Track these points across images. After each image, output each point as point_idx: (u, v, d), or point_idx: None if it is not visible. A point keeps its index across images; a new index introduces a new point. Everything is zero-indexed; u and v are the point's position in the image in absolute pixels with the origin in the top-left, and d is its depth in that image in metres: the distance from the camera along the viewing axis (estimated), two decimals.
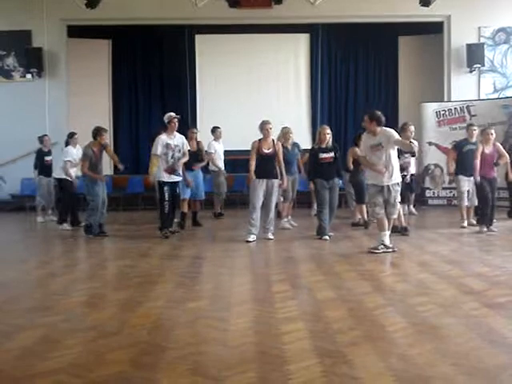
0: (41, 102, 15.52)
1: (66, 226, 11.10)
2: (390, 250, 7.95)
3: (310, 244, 8.93)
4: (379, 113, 8.13)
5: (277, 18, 15.78)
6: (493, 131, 10.16)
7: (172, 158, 9.68)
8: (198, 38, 16.90)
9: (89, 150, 10.09)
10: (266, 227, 9.39)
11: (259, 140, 9.44)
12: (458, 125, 14.75)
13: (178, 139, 9.84)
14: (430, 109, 15.16)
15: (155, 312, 5.07)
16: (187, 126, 16.63)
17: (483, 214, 9.93)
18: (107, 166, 16.48)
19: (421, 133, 15.06)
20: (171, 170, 9.65)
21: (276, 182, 9.45)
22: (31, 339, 4.30)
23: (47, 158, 12.51)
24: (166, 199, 9.58)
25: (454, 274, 6.52)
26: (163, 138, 9.71)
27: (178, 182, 9.85)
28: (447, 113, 15.00)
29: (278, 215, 10.64)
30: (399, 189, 8.20)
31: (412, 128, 9.92)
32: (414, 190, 12.27)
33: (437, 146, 14.90)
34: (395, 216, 8.40)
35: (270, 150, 9.39)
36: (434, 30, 16.17)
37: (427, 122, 15.13)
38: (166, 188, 9.61)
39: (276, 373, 3.57)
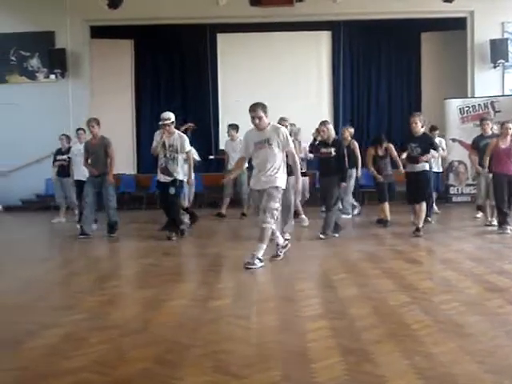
0: (64, 103, 15.66)
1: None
2: (263, 263, 6.92)
3: (331, 242, 8.89)
4: None
5: (298, 15, 15.76)
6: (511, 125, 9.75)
7: (164, 157, 9.45)
8: (220, 37, 16.95)
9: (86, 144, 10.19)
10: (283, 227, 9.34)
11: None
12: None
13: (175, 139, 9.49)
14: (454, 105, 15.04)
15: (178, 310, 5.08)
16: (209, 124, 16.78)
17: (502, 214, 9.53)
18: (130, 165, 16.65)
19: (444, 129, 14.95)
20: (163, 170, 9.47)
21: (291, 179, 9.38)
22: (55, 337, 4.33)
23: (58, 158, 12.49)
24: (160, 199, 9.58)
25: (478, 272, 6.46)
26: (158, 135, 9.59)
27: (174, 181, 9.51)
28: (471, 109, 14.87)
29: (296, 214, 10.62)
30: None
31: None
32: (438, 188, 12.19)
33: (460, 142, 14.76)
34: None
35: None
36: (457, 25, 16.04)
37: (451, 118, 15.01)
38: (157, 188, 9.54)
39: (299, 371, 3.56)
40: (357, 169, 11.68)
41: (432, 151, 9.39)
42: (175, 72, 17.38)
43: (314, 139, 11.51)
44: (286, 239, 8.87)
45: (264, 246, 6.84)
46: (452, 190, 14.99)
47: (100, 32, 16.19)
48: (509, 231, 9.31)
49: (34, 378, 3.56)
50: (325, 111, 17.00)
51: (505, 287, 5.66)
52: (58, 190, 12.54)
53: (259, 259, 6.80)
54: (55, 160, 12.56)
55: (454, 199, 14.89)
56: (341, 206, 10.48)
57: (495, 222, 10.08)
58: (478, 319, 4.57)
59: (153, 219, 12.13)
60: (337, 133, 15.64)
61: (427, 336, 4.16)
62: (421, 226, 9.23)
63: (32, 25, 15.66)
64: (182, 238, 9.47)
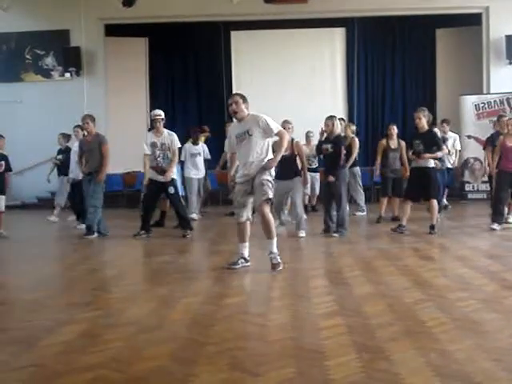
0: (79, 100, 15.74)
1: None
2: (249, 263, 6.78)
3: (345, 240, 8.88)
4: None
5: (312, 12, 15.76)
6: None
7: (159, 157, 9.46)
8: (234, 35, 16.96)
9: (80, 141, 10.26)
10: (297, 226, 9.35)
11: None
12: None
13: (165, 137, 9.54)
14: (469, 101, 14.97)
15: (194, 307, 5.09)
16: (223, 121, 16.76)
17: (496, 212, 9.44)
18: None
19: (460, 126, 14.90)
20: (159, 170, 9.46)
21: (297, 179, 9.40)
22: (72, 334, 4.36)
23: (57, 157, 12.58)
24: (146, 196, 9.61)
25: (494, 269, 6.43)
26: (149, 135, 9.64)
27: (171, 180, 9.57)
28: (486, 105, 14.79)
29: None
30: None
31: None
32: (449, 184, 12.13)
33: (476, 139, 14.70)
34: None
35: (287, 153, 8.94)
36: (472, 21, 15.95)
37: (466, 115, 14.95)
38: (151, 186, 9.54)
39: (315, 368, 3.56)
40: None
41: (437, 152, 9.28)
42: (189, 69, 17.41)
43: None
44: (300, 237, 8.95)
45: (275, 239, 6.67)
46: (467, 187, 14.92)
47: (114, 30, 16.27)
48: (495, 227, 9.28)
49: (51, 375, 3.58)
50: (339, 108, 16.94)
51: None
52: (59, 187, 12.65)
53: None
54: (55, 158, 12.70)
55: (470, 196, 14.83)
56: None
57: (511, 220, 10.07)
58: (494, 317, 4.55)
59: (168, 216, 12.15)
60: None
61: (443, 333, 4.14)
62: (434, 222, 9.19)
63: (47, 23, 15.77)
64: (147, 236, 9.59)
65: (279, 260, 6.56)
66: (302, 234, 9.23)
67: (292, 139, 9.36)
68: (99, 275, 6.91)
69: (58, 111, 15.49)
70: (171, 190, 9.51)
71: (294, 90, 16.55)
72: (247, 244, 6.75)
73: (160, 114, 9.59)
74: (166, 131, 9.64)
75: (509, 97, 14.64)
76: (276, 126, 6.71)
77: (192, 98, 17.29)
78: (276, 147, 6.93)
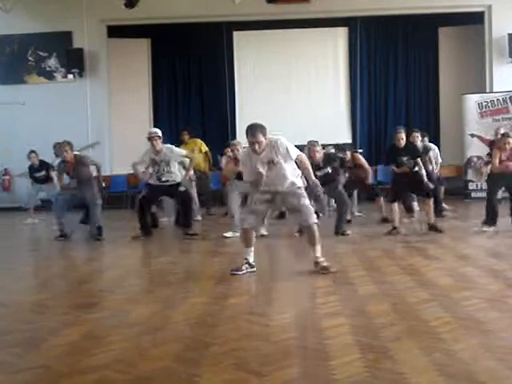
0: (82, 102, 15.79)
1: None
2: (254, 268, 6.62)
3: (348, 239, 8.89)
4: None
5: (314, 12, 15.75)
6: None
7: (158, 172, 9.46)
8: (236, 35, 16.94)
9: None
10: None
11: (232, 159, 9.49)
12: (500, 116, 14.54)
13: (163, 154, 9.46)
14: (472, 100, 14.95)
15: (198, 308, 5.10)
16: (226, 120, 16.78)
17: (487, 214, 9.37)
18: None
19: (463, 125, 14.89)
20: (159, 181, 9.49)
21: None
22: (76, 335, 4.37)
23: (36, 175, 12.67)
24: (146, 197, 9.60)
25: (498, 268, 6.42)
26: (148, 154, 9.55)
27: (178, 183, 9.57)
28: (489, 104, 14.77)
29: None
30: None
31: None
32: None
33: (479, 137, 14.68)
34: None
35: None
36: (475, 20, 15.91)
37: (469, 113, 14.92)
38: (153, 188, 9.55)
39: (319, 368, 3.56)
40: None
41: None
42: (192, 70, 17.40)
43: None
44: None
45: (320, 245, 6.57)
46: (471, 186, 14.89)
47: (117, 31, 16.28)
48: (485, 229, 9.18)
49: (56, 377, 3.59)
50: (342, 108, 16.96)
51: None
52: (32, 192, 12.76)
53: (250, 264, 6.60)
54: (31, 176, 12.72)
55: (473, 195, 14.79)
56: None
57: None
58: (498, 316, 4.54)
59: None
60: (355, 128, 15.77)
61: (447, 333, 4.14)
62: (433, 221, 9.24)
63: (49, 25, 15.78)
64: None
65: (327, 263, 6.48)
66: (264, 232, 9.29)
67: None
68: (103, 276, 6.92)
69: (61, 113, 15.52)
70: (182, 188, 9.54)
71: (296, 89, 16.56)
72: (252, 249, 6.65)
73: (156, 131, 9.53)
74: (164, 148, 9.54)
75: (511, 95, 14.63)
76: (295, 152, 6.52)
77: (195, 98, 17.28)
78: (302, 171, 6.74)
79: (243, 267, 6.52)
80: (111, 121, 16.21)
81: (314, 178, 6.69)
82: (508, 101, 14.58)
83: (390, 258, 7.26)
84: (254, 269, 6.58)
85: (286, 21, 16.15)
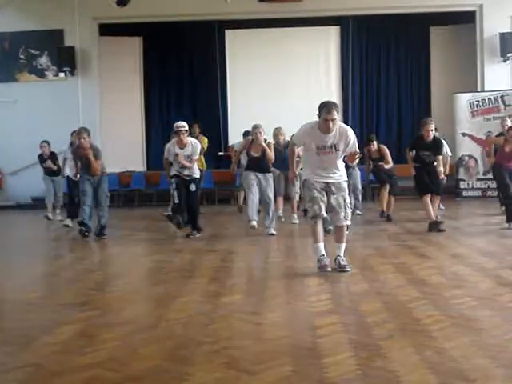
0: (74, 100, 15.78)
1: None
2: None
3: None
4: None
5: (306, 11, 15.78)
6: None
7: (181, 167, 9.37)
8: (228, 33, 16.96)
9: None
10: (266, 222, 9.43)
11: (252, 141, 9.50)
12: (492, 115, 14.60)
13: (188, 149, 9.37)
14: (464, 99, 15.01)
15: (190, 306, 5.09)
16: (218, 119, 16.78)
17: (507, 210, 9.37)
18: (140, 162, 16.71)
19: (454, 124, 14.94)
20: (179, 173, 9.40)
21: (269, 175, 9.49)
22: (68, 334, 4.36)
23: (44, 165, 12.74)
24: (174, 188, 9.42)
25: (489, 266, 6.44)
26: (172, 145, 9.41)
27: (194, 179, 9.52)
28: (481, 103, 14.83)
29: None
30: None
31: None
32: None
33: (471, 136, 14.74)
34: None
35: (258, 154, 9.37)
36: (466, 19, 16.01)
37: (460, 112, 14.97)
38: (178, 180, 9.39)
39: (311, 366, 3.56)
40: None
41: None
42: (184, 68, 17.40)
43: None
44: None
45: (344, 244, 6.53)
46: (462, 185, 14.95)
47: (109, 30, 16.28)
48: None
49: (47, 375, 3.57)
50: None
51: None
52: (48, 187, 12.72)
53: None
54: (42, 167, 12.78)
55: (465, 194, 14.85)
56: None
57: None
58: (489, 314, 4.56)
59: (163, 216, 12.15)
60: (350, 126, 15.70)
61: (438, 331, 4.15)
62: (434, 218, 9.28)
63: (41, 23, 15.76)
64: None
65: (346, 262, 6.43)
66: (273, 231, 9.31)
67: (265, 140, 9.56)
68: (95, 275, 6.90)
69: (53, 111, 15.50)
70: (192, 187, 9.44)
71: (288, 87, 16.56)
72: (323, 244, 6.44)
73: (184, 125, 9.35)
74: (190, 141, 9.44)
75: (503, 94, 14.68)
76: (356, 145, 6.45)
77: (187, 96, 17.29)
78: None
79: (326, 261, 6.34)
80: (102, 119, 16.17)
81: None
82: (499, 100, 14.64)
83: (383, 256, 7.27)
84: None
85: (278, 19, 16.18)
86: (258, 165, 9.41)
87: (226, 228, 10.55)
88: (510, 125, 10.32)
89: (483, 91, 15.32)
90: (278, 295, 5.41)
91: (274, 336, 4.15)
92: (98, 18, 15.94)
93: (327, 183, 6.40)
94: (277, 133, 10.93)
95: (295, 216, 10.84)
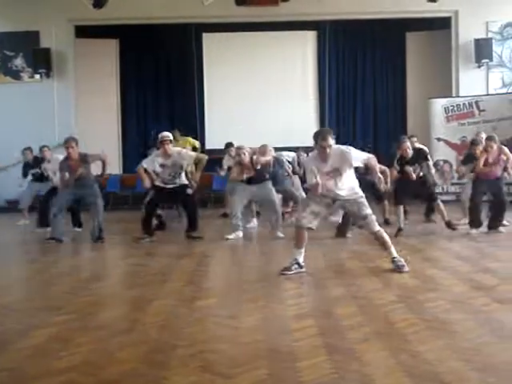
0: (49, 102, 15.62)
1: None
2: (303, 269, 6.55)
3: (320, 242, 8.92)
4: None
5: (284, 15, 15.79)
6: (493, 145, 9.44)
7: (169, 175, 9.30)
8: (205, 37, 16.94)
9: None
10: (274, 226, 9.42)
11: (238, 164, 9.48)
12: (466, 120, 14.72)
13: (174, 158, 9.27)
14: (439, 104, 15.11)
15: (165, 310, 5.08)
16: (195, 123, 16.75)
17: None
18: (115, 165, 16.60)
19: (429, 128, 15.05)
20: (165, 184, 9.35)
21: (267, 182, 9.47)
22: (43, 338, 4.32)
23: (31, 172, 11.99)
24: (152, 201, 9.39)
25: (464, 270, 6.51)
26: (157, 158, 9.31)
27: (185, 185, 9.49)
28: (456, 108, 14.95)
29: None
30: None
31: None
32: None
33: (446, 141, 14.86)
34: None
35: (252, 173, 9.31)
36: (442, 25, 16.14)
37: (436, 117, 15.08)
38: (158, 191, 9.34)
39: (286, 370, 3.58)
40: None
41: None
42: (160, 71, 17.36)
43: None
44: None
45: (392, 247, 6.66)
46: (437, 189, 15.03)
47: (85, 31, 16.14)
48: (473, 232, 9.32)
49: (22, 379, 3.55)
50: (311, 110, 17.07)
51: (490, 285, 5.70)
52: (27, 192, 12.18)
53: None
54: (26, 174, 12.08)
55: (439, 198, 14.91)
56: None
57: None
58: (463, 317, 4.60)
59: (137, 219, 12.07)
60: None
61: (413, 334, 4.19)
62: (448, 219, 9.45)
63: (16, 24, 15.59)
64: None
65: (403, 262, 6.53)
66: (281, 234, 9.29)
67: (251, 158, 9.40)
68: (70, 278, 6.84)
69: (28, 113, 15.32)
70: (189, 191, 9.46)
71: (265, 91, 16.57)
72: (303, 250, 6.54)
73: (168, 135, 9.28)
74: (174, 151, 9.36)
75: (477, 100, 14.81)
76: (362, 157, 6.55)
77: (163, 99, 17.25)
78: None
79: (293, 267, 6.44)
80: (78, 122, 16.04)
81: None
82: (474, 105, 14.77)
83: (359, 260, 7.30)
84: (304, 269, 6.50)
85: (256, 23, 16.19)
86: (254, 180, 9.36)
87: (203, 232, 10.50)
88: (484, 138, 10.42)
89: (458, 96, 15.46)
90: (254, 299, 5.41)
91: (249, 339, 4.16)
92: (74, 19, 15.80)
93: (336, 199, 6.52)
94: (263, 150, 10.35)
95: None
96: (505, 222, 9.61)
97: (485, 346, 3.93)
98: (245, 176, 9.35)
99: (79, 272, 7.36)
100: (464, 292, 5.49)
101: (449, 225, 9.42)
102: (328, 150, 6.29)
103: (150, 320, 4.76)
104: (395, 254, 6.61)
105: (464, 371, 3.49)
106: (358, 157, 6.50)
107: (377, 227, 6.62)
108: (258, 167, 9.32)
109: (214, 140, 15.67)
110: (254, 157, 9.45)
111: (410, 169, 9.43)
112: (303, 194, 10.46)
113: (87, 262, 8.34)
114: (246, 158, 9.30)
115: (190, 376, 3.52)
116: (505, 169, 9.56)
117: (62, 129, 14.97)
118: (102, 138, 16.14)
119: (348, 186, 6.51)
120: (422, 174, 9.58)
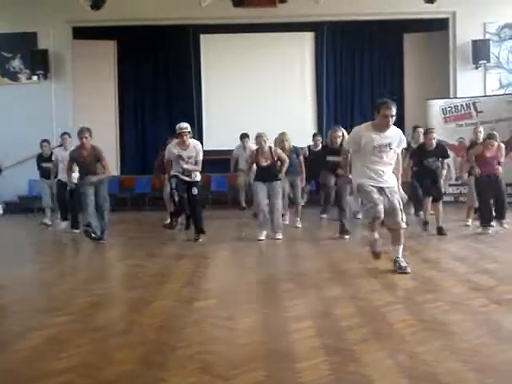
0: (47, 104, 15.60)
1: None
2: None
3: (318, 243, 8.94)
4: None
5: (281, 16, 15.79)
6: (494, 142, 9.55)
7: (187, 164, 9.30)
8: (203, 38, 16.93)
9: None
10: (274, 228, 9.41)
11: (257, 151, 9.53)
12: (464, 121, 14.74)
13: (191, 150, 9.30)
14: (436, 106, 15.13)
15: (164, 311, 5.08)
16: (193, 123, 16.72)
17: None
18: (114, 166, 16.59)
19: None
20: (182, 173, 9.31)
21: (278, 183, 9.47)
22: (41, 339, 4.32)
23: (43, 165, 12.10)
24: (173, 187, 9.32)
25: (462, 271, 6.51)
26: (173, 147, 9.34)
27: (196, 182, 9.44)
28: (453, 109, 14.97)
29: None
30: None
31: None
32: None
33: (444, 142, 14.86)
34: None
35: (268, 163, 9.39)
36: (439, 26, 16.16)
37: (433, 119, 15.09)
38: (178, 180, 9.28)
39: (284, 371, 3.57)
40: None
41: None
42: (158, 73, 17.34)
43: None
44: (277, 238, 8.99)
45: (402, 246, 6.60)
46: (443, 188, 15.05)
47: (82, 33, 16.12)
48: (489, 231, 9.37)
49: (21, 380, 3.55)
50: (308, 111, 17.08)
51: (488, 286, 5.71)
52: (46, 191, 12.12)
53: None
54: (40, 167, 12.17)
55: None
56: None
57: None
58: (461, 318, 4.61)
59: (137, 220, 12.12)
60: (322, 131, 15.78)
61: (411, 335, 4.19)
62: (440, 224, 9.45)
63: (14, 26, 15.58)
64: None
65: (405, 263, 6.51)
66: (279, 236, 9.29)
67: (270, 148, 9.54)
68: (69, 279, 6.84)
69: (26, 115, 15.30)
70: (194, 190, 9.38)
71: (263, 92, 16.57)
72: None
73: (187, 127, 9.25)
74: (191, 142, 9.36)
75: (475, 101, 14.84)
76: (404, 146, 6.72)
77: (161, 101, 17.23)
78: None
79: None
80: (76, 123, 16.00)
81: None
82: (471, 106, 14.79)
83: (357, 260, 7.31)
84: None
85: (253, 25, 16.18)
86: (268, 174, 9.40)
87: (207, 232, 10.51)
88: (482, 132, 10.47)
89: (456, 98, 15.48)
90: (253, 300, 5.41)
91: (247, 341, 4.16)
92: (71, 21, 15.79)
93: (381, 187, 6.43)
94: (282, 138, 10.67)
95: (298, 219, 10.90)
96: (505, 226, 9.57)
97: (483, 346, 3.93)
98: (263, 163, 9.41)
99: (78, 273, 7.36)
100: (462, 293, 5.49)
101: (440, 231, 9.37)
102: (390, 120, 6.27)
103: (148, 321, 4.76)
104: (400, 254, 6.59)
105: (462, 372, 3.49)
106: (404, 145, 6.61)
107: (404, 224, 6.65)
108: (276, 158, 9.45)
109: (212, 141, 15.67)
110: (273, 147, 9.72)
111: (430, 161, 9.48)
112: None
113: (86, 263, 8.34)
114: (266, 146, 9.44)
115: (188, 377, 3.52)
116: (499, 163, 9.58)
117: (60, 130, 14.96)
118: (99, 139, 16.07)
119: (391, 174, 6.51)
120: (434, 168, 9.57)
